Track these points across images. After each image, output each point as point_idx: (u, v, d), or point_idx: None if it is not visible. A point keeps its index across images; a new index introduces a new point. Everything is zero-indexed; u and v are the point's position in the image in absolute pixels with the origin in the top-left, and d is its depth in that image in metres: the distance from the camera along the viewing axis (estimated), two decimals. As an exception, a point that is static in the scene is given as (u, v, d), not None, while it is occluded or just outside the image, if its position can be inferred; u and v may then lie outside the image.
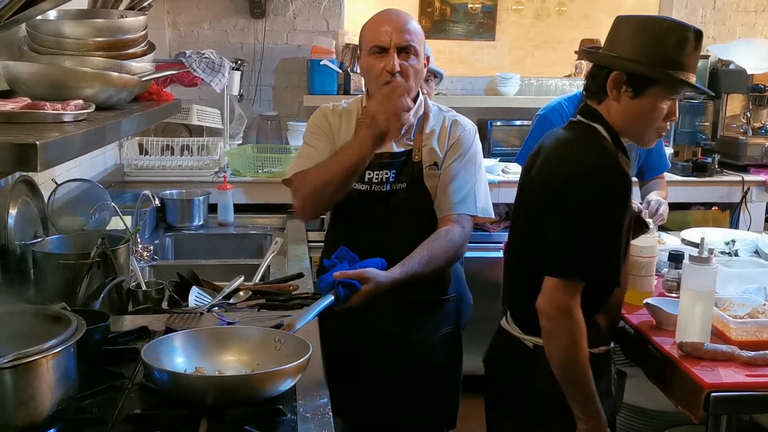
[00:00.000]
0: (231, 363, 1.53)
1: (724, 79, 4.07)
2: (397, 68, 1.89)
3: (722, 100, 4.13)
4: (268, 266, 2.49)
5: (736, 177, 3.90)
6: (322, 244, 2.25)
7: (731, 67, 4.05)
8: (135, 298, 2.08)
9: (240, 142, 3.91)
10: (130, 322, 1.90)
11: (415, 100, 1.97)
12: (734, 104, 4.19)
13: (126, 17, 2.05)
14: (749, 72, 3.90)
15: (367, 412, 2.13)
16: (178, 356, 1.51)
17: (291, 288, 2.20)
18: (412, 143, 2.03)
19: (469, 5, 7.56)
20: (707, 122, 4.02)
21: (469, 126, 2.09)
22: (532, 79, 4.22)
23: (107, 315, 1.65)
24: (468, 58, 7.89)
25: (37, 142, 1.04)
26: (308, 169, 1.99)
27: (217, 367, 1.52)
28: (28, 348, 1.24)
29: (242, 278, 2.23)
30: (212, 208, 3.27)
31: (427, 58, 2.04)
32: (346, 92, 3.91)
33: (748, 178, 3.89)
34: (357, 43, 4.00)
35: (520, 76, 4.19)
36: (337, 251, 1.84)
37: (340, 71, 3.88)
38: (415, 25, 1.96)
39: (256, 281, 2.36)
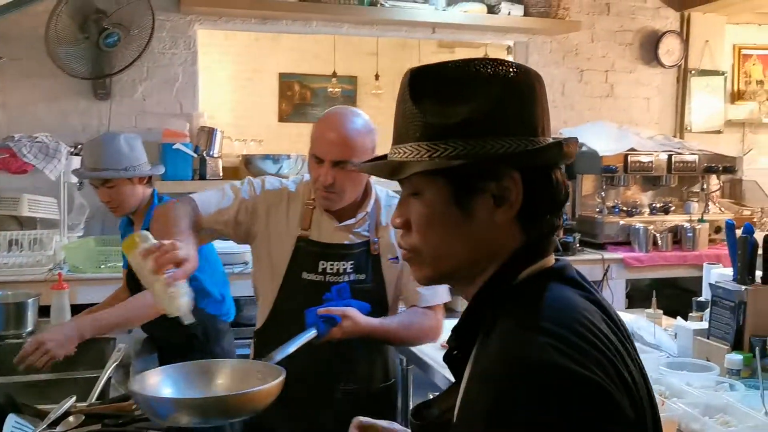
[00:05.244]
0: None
1: (578, 160, 4.20)
2: (329, 181, 1.87)
3: (577, 181, 4.26)
4: (109, 379, 2.14)
5: (596, 255, 3.99)
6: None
7: (584, 149, 4.20)
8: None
9: (81, 234, 3.52)
10: None
11: (365, 194, 1.99)
12: (587, 184, 4.34)
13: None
14: (600, 154, 4.06)
15: None
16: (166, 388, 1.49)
17: (133, 407, 1.88)
18: (368, 234, 1.99)
19: (329, 89, 7.59)
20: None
21: None
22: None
23: None
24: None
25: None
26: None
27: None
28: None
29: (74, 399, 1.88)
30: (44, 311, 2.86)
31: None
32: (202, 177, 3.66)
33: (607, 255, 3.99)
34: (213, 126, 3.85)
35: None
36: (339, 286, 1.86)
37: (195, 155, 3.64)
38: (357, 135, 1.88)
39: (92, 400, 2.01)
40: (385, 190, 2.09)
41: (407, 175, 0.91)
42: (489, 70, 0.90)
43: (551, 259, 0.96)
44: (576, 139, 0.97)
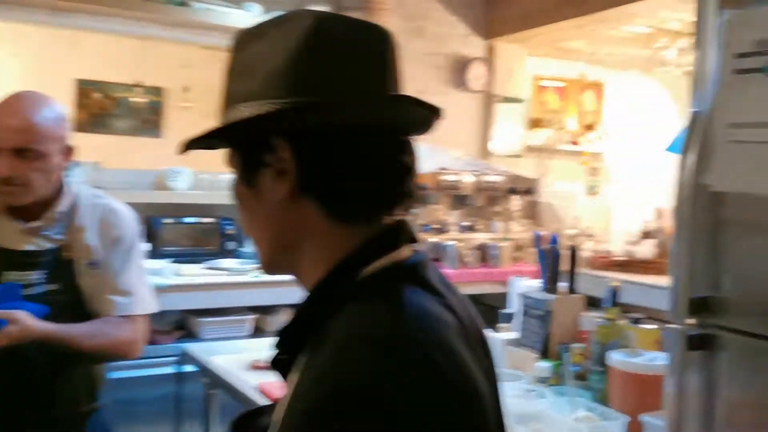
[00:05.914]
0: None
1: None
2: (5, 173, 1.67)
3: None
4: None
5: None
6: None
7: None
8: None
9: None
10: None
11: (57, 192, 1.79)
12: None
13: None
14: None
15: None
16: None
17: None
18: (59, 238, 1.78)
19: (131, 99, 7.10)
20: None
21: (128, 214, 1.88)
22: (205, 174, 3.93)
23: None
24: (132, 154, 7.36)
25: None
26: None
27: None
28: None
29: None
30: None
31: (70, 149, 1.78)
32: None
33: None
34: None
35: (193, 171, 3.87)
36: (6, 285, 1.68)
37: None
38: (42, 120, 1.68)
39: None
40: (90, 189, 1.90)
41: (185, 151, 0.84)
42: (281, 27, 0.80)
43: (404, 252, 0.82)
44: (409, 98, 0.83)
